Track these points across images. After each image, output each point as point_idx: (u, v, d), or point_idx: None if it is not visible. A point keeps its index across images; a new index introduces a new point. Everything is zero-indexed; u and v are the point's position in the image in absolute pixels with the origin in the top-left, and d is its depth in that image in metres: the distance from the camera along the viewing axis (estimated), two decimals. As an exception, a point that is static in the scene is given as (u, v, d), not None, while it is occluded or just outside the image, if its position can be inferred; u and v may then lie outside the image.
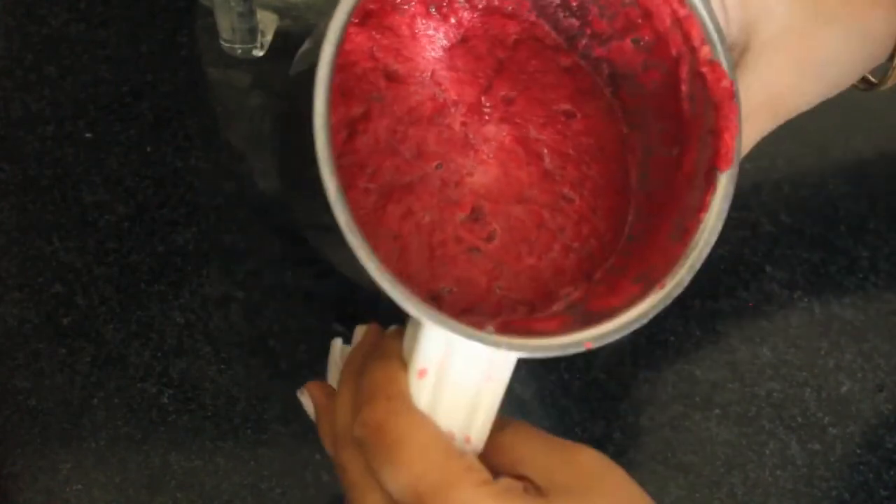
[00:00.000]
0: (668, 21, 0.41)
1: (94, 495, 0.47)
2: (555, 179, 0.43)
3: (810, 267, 0.52)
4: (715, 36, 0.40)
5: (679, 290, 0.37)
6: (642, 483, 0.35)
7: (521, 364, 0.49)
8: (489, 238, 0.42)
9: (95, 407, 0.48)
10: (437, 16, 0.44)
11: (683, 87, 0.41)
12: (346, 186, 0.41)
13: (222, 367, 0.49)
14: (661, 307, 0.37)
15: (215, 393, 0.49)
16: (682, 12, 0.41)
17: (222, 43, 0.56)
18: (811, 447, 0.48)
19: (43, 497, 0.47)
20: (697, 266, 0.38)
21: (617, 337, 0.36)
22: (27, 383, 0.49)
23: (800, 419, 0.49)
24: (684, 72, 0.41)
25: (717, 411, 0.49)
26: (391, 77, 0.43)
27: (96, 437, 0.48)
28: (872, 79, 0.48)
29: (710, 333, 0.51)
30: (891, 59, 0.46)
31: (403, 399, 0.35)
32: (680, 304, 0.51)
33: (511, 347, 0.35)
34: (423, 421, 0.35)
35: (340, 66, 0.42)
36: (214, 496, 0.47)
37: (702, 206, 0.39)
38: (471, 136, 0.43)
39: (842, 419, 0.49)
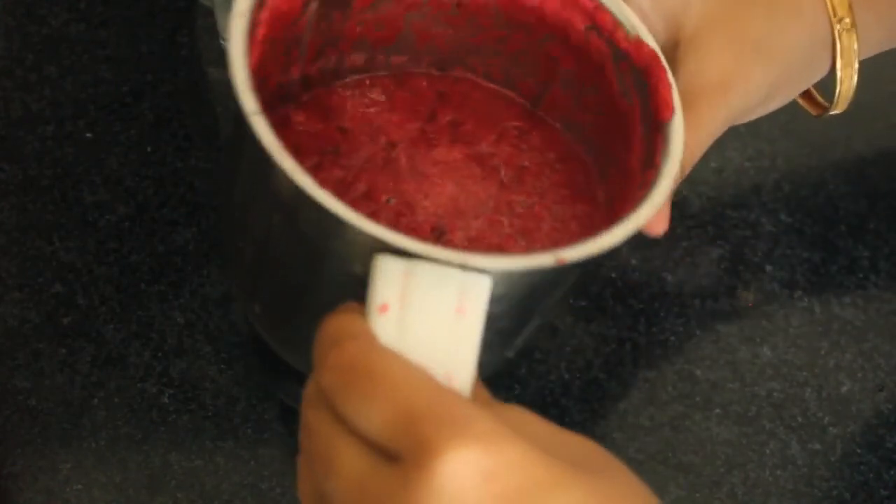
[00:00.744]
0: (581, 26, 0.42)
1: (94, 495, 0.47)
2: (512, 190, 0.43)
3: (810, 267, 0.52)
4: (624, 16, 0.41)
5: (652, 211, 0.37)
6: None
7: (521, 363, 0.49)
8: None
9: (95, 407, 0.48)
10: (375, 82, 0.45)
11: (615, 87, 0.42)
12: None
13: (222, 367, 0.49)
14: (634, 230, 0.36)
15: (215, 393, 0.49)
16: (589, 5, 0.42)
17: (222, 43, 0.56)
18: (811, 447, 0.48)
19: (43, 497, 0.47)
20: (669, 188, 0.37)
21: (591, 255, 0.35)
22: (27, 383, 0.49)
23: (800, 419, 0.49)
24: (611, 71, 0.42)
25: (717, 411, 0.49)
26: (344, 132, 0.44)
27: (96, 437, 0.48)
28: (822, 101, 0.48)
29: (710, 333, 0.51)
30: (833, 67, 0.45)
31: (371, 335, 0.32)
32: (680, 304, 0.52)
33: (474, 264, 0.33)
34: (397, 354, 0.32)
35: (294, 130, 0.43)
36: (214, 496, 0.47)
37: (655, 152, 0.39)
38: (419, 166, 0.43)
39: (842, 419, 0.49)
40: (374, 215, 0.42)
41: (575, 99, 0.44)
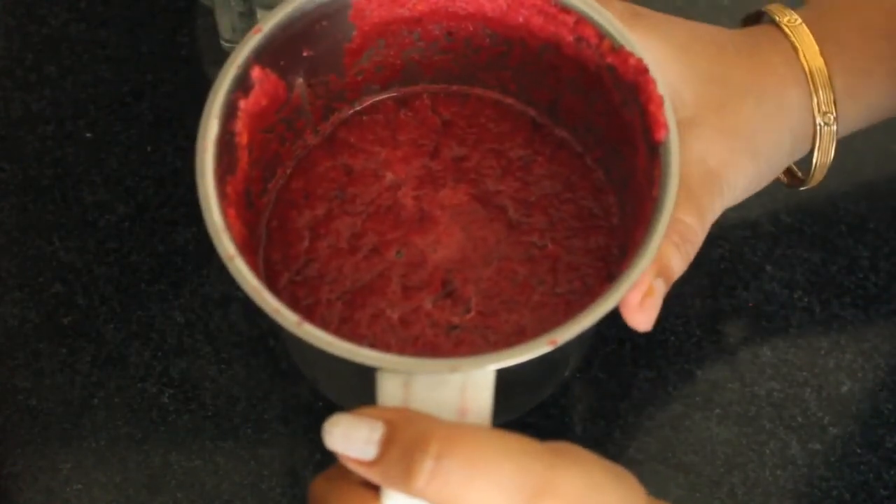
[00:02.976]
0: (570, 38, 0.42)
1: (94, 495, 0.47)
2: (521, 230, 0.43)
3: (810, 267, 0.52)
4: (609, 27, 0.41)
5: (642, 270, 0.37)
6: (643, 483, 0.35)
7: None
8: (465, 310, 0.41)
9: (95, 407, 0.48)
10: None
11: (616, 96, 0.41)
12: (313, 303, 0.41)
13: (222, 366, 0.49)
14: (623, 292, 0.36)
15: (215, 393, 0.49)
16: (570, 19, 0.41)
17: (222, 43, 0.56)
18: (811, 447, 0.48)
19: (43, 497, 0.47)
20: (657, 246, 0.37)
21: (582, 329, 0.35)
22: (27, 383, 0.49)
23: (800, 419, 0.49)
24: (608, 81, 0.41)
25: (717, 411, 0.49)
26: (349, 172, 0.44)
27: (96, 437, 0.48)
28: (799, 173, 0.48)
29: (710, 333, 0.51)
30: (812, 150, 0.46)
31: None
32: (680, 304, 0.52)
33: (463, 369, 0.34)
34: None
35: (304, 168, 0.44)
36: (214, 496, 0.47)
37: (653, 183, 0.38)
38: (425, 208, 0.43)
39: (842, 419, 0.49)
40: (382, 275, 0.42)
41: (587, 104, 0.43)
